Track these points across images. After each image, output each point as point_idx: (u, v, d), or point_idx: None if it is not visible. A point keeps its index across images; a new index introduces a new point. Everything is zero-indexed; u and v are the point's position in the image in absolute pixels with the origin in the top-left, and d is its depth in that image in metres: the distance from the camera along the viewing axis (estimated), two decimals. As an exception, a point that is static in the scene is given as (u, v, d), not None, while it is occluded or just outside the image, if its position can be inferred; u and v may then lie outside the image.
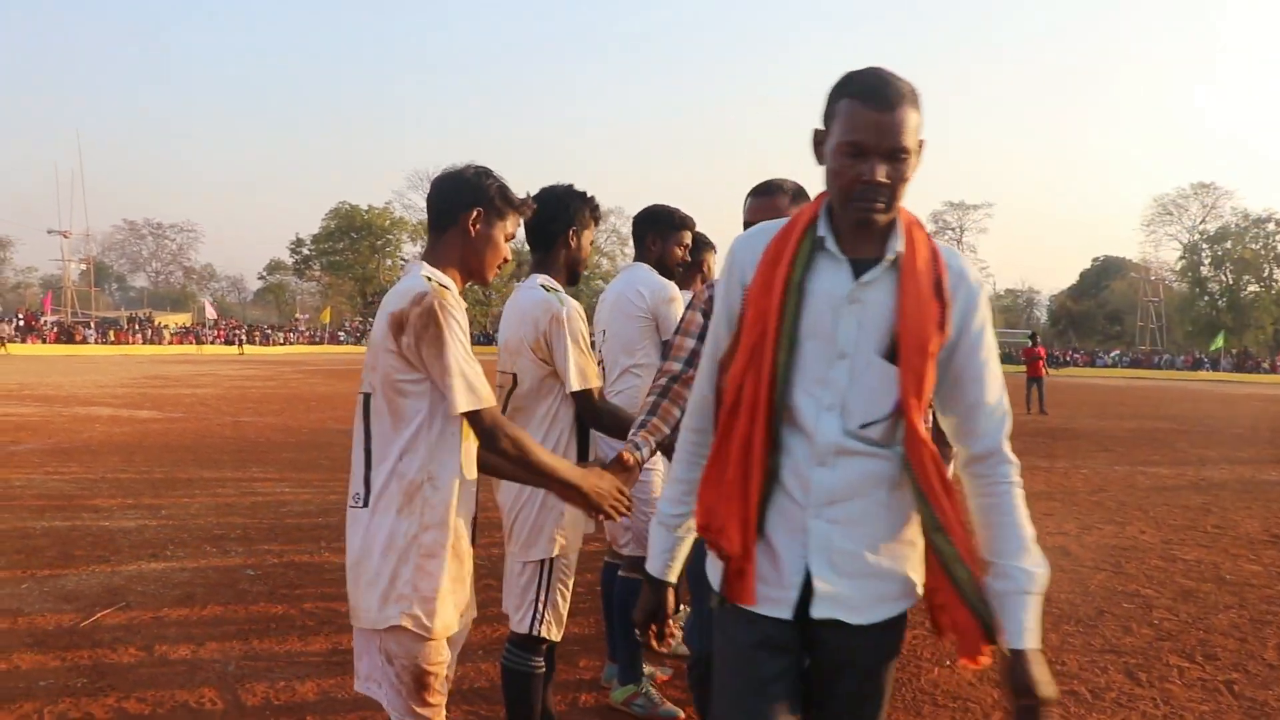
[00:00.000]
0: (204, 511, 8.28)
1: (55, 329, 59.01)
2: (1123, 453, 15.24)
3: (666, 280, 4.21)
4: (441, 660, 2.55)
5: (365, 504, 2.52)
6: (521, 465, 2.56)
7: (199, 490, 9.37)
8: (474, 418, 2.47)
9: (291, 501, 8.90)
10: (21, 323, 57.25)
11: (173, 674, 4.46)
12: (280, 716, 4.04)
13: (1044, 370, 25.03)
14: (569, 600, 3.40)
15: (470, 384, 2.43)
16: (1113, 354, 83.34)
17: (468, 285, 2.75)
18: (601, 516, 2.78)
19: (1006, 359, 76.29)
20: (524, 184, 2.94)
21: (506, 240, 2.74)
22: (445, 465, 2.50)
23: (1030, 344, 26.27)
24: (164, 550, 6.81)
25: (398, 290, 2.53)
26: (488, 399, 2.47)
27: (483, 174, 2.68)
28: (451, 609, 2.54)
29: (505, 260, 2.76)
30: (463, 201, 2.63)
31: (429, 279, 2.53)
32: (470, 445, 2.60)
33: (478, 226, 2.64)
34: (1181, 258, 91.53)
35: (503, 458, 2.53)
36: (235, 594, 5.79)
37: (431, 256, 2.67)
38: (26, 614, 5.29)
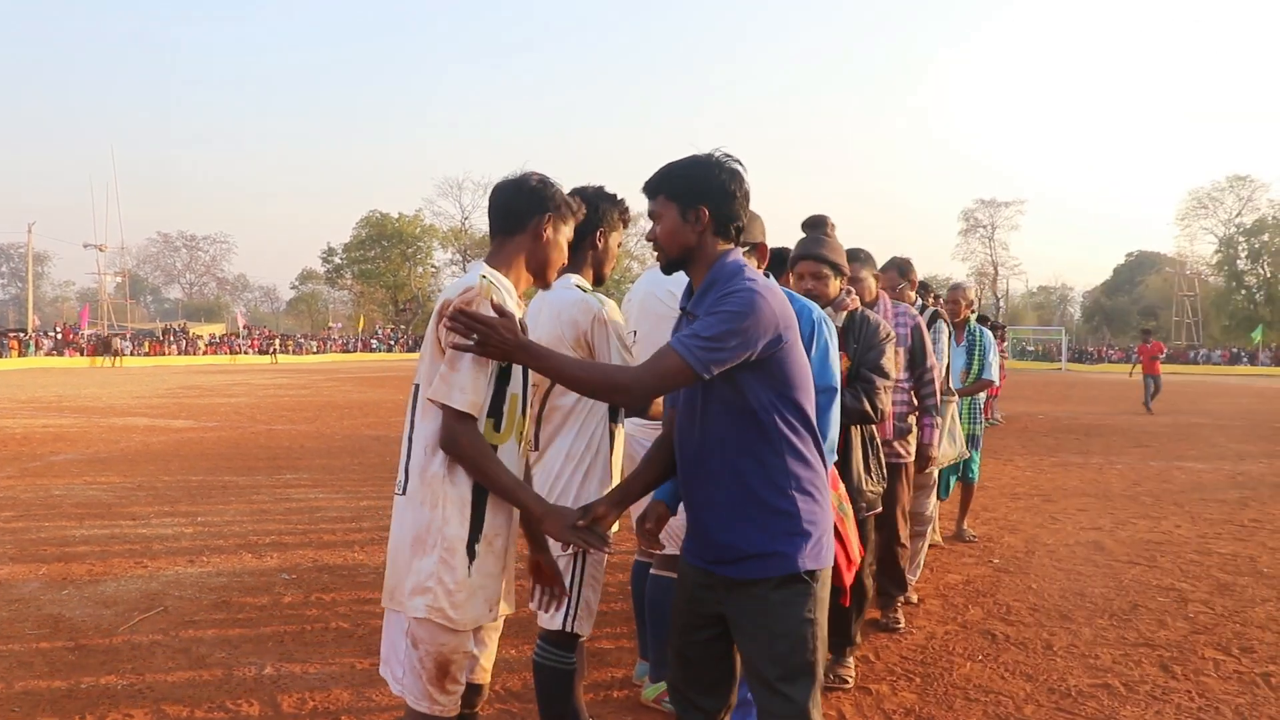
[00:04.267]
0: (239, 518, 8.39)
1: (93, 341, 59.69)
2: (1158, 448, 15.09)
3: None
4: (466, 650, 2.62)
5: (404, 492, 2.62)
6: (481, 477, 2.56)
7: (234, 497, 9.49)
8: (445, 412, 2.51)
9: (325, 507, 9.00)
10: (59, 336, 57.97)
11: (210, 677, 4.53)
12: (315, 719, 4.10)
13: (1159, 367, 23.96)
14: (599, 595, 3.44)
15: (459, 382, 2.49)
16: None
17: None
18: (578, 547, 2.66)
19: (1044, 356, 76.04)
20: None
21: (566, 244, 2.89)
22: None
23: (1144, 341, 25.36)
24: (200, 556, 6.90)
25: (455, 285, 2.65)
26: (464, 405, 2.50)
27: (546, 182, 2.82)
28: (481, 603, 2.60)
29: (565, 264, 2.91)
30: (533, 208, 2.76)
31: (484, 277, 2.63)
32: (509, 445, 2.67)
33: (548, 233, 2.78)
34: (1217, 251, 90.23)
35: (460, 462, 2.54)
36: (271, 598, 5.86)
37: (495, 260, 2.78)
38: (67, 618, 5.38)
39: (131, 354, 59.00)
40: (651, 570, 4.21)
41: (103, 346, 53.38)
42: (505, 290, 2.67)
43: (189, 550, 7.08)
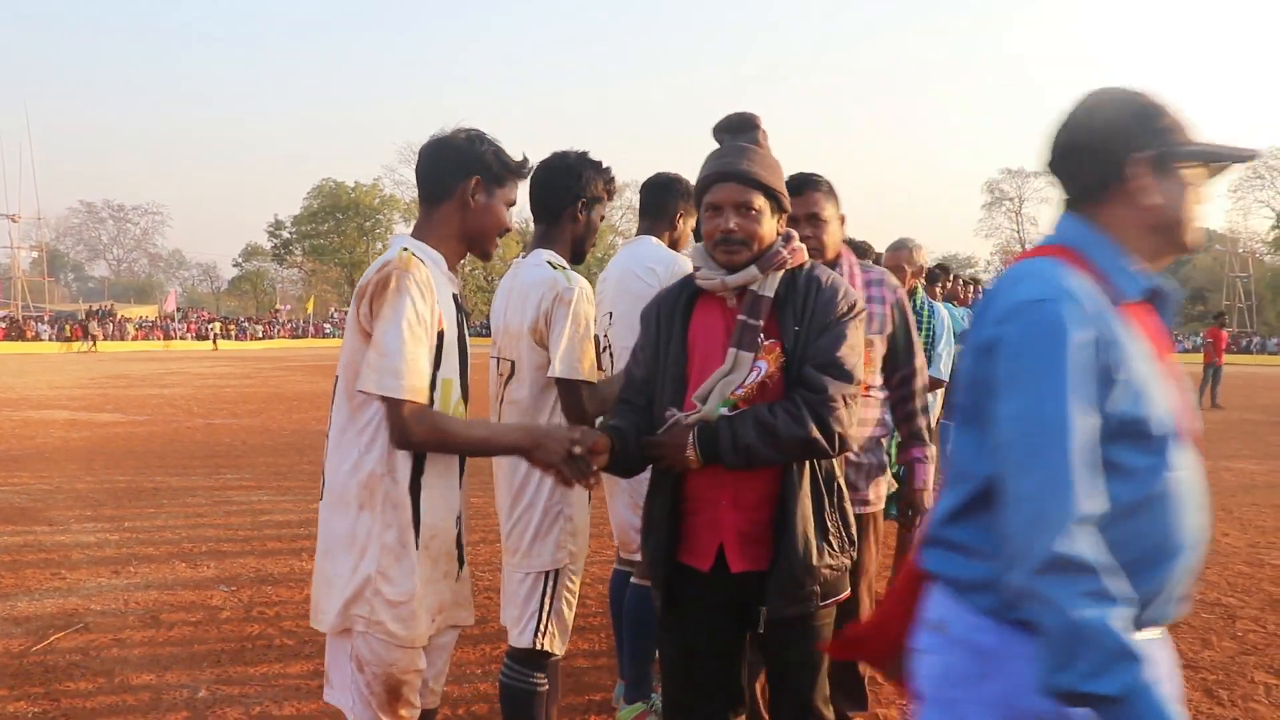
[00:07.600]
0: (172, 523, 8.36)
1: (4, 325, 59.37)
2: (1205, 446, 14.93)
3: (677, 254, 4.20)
4: (417, 669, 2.60)
5: (328, 497, 2.60)
6: (453, 451, 2.58)
7: (166, 500, 9.45)
8: (388, 405, 2.47)
9: (270, 511, 8.98)
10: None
11: (136, 702, 4.51)
12: (255, 746, 4.09)
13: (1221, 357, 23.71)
14: (574, 609, 3.43)
15: (393, 367, 2.43)
16: (1194, 338, 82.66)
17: (467, 267, 2.80)
18: (560, 481, 2.67)
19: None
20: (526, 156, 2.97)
21: (508, 207, 2.82)
22: (408, 457, 2.55)
23: (1220, 325, 25.06)
24: (126, 566, 6.88)
25: (375, 264, 2.61)
26: (411, 391, 2.45)
27: (475, 139, 2.75)
28: (424, 614, 2.58)
29: (506, 230, 2.84)
30: (458, 171, 2.71)
31: (405, 250, 2.58)
32: None
33: (478, 197, 2.72)
34: (1275, 227, 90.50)
35: (422, 451, 2.53)
36: (206, 613, 5.84)
37: (421, 231, 2.74)
38: (-26, 637, 5.36)
39: (49, 338, 58.87)
40: (632, 579, 4.20)
41: (80, 329, 54.11)
42: (433, 263, 2.64)
43: (113, 560, 7.06)
